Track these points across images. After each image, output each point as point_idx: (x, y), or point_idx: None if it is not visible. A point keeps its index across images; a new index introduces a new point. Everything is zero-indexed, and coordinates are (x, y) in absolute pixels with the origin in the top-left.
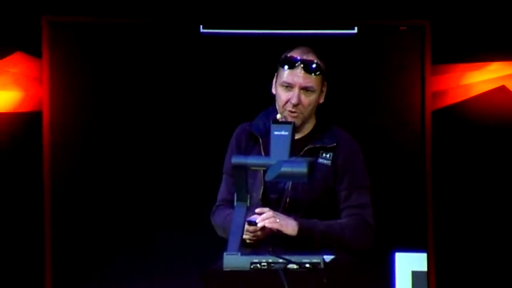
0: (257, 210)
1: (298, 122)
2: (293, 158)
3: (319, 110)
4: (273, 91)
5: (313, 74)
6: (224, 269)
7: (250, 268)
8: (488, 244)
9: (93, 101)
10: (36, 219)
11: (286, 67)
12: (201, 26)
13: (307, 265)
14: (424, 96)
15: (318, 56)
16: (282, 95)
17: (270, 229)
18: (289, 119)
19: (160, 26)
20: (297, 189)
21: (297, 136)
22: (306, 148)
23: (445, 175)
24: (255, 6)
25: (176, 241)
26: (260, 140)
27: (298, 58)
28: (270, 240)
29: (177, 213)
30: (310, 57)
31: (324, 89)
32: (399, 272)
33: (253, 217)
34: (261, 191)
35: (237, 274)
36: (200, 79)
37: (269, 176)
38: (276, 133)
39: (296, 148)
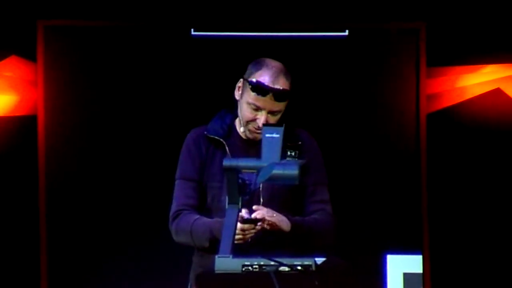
0: (254, 207)
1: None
2: (285, 161)
3: None
4: (237, 97)
5: (282, 102)
6: (216, 272)
7: (242, 271)
8: (483, 246)
9: (88, 104)
10: (31, 223)
11: (255, 92)
12: (192, 29)
13: (299, 268)
14: (419, 99)
15: (287, 74)
16: (247, 112)
17: (263, 227)
18: (251, 136)
19: (153, 29)
20: (269, 189)
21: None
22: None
23: (440, 178)
24: (247, 8)
25: (168, 243)
26: (224, 143)
27: (269, 86)
28: (258, 241)
29: (147, 214)
30: (281, 82)
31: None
32: (391, 274)
33: (246, 215)
34: None
35: (229, 276)
36: (192, 81)
37: (261, 178)
38: (267, 135)
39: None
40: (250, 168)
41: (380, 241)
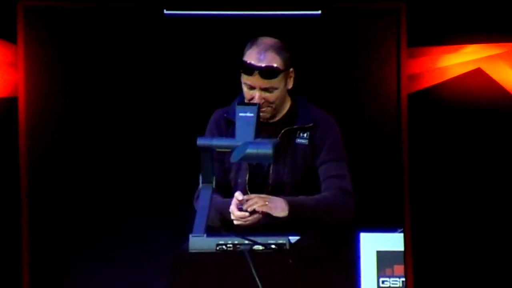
0: (245, 197)
1: (267, 115)
2: (259, 140)
3: (293, 91)
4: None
5: (271, 79)
6: (190, 251)
7: (216, 250)
8: (463, 226)
9: (69, 86)
10: (12, 207)
11: (243, 72)
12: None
13: (273, 246)
14: (399, 79)
15: (279, 50)
16: (245, 92)
17: (261, 213)
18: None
19: (133, 9)
20: (278, 172)
21: (273, 120)
22: (283, 131)
23: (421, 158)
24: None
25: (144, 226)
26: None
27: (255, 65)
28: (262, 223)
29: (147, 199)
30: (268, 59)
31: (292, 75)
32: (364, 252)
33: (240, 197)
34: (247, 176)
35: (203, 255)
36: (174, 63)
37: (235, 158)
38: (241, 114)
39: (273, 131)
40: (224, 147)
41: (363, 220)
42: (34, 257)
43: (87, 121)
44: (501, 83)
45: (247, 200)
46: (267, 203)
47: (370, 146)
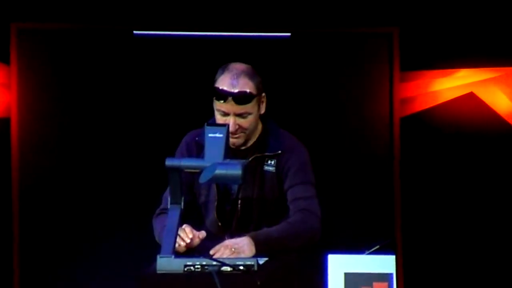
0: (211, 252)
1: (241, 141)
2: (228, 161)
3: (264, 116)
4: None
5: (245, 104)
6: (158, 272)
7: (184, 271)
8: (455, 248)
9: (61, 107)
10: (4, 224)
11: (216, 99)
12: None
13: (241, 268)
14: (392, 103)
15: (251, 75)
16: (219, 118)
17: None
18: (232, 141)
19: (122, 31)
20: (247, 199)
21: (244, 146)
22: (251, 158)
23: (413, 182)
24: (192, 7)
25: (113, 244)
26: None
27: (226, 91)
28: None
29: (116, 217)
30: (240, 85)
31: (264, 100)
32: (332, 274)
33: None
34: (216, 202)
35: (171, 277)
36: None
37: (203, 178)
38: (210, 135)
39: (243, 158)
40: (193, 168)
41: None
42: (24, 276)
43: (80, 141)
44: (493, 107)
45: (213, 254)
46: (233, 250)
47: (363, 169)
